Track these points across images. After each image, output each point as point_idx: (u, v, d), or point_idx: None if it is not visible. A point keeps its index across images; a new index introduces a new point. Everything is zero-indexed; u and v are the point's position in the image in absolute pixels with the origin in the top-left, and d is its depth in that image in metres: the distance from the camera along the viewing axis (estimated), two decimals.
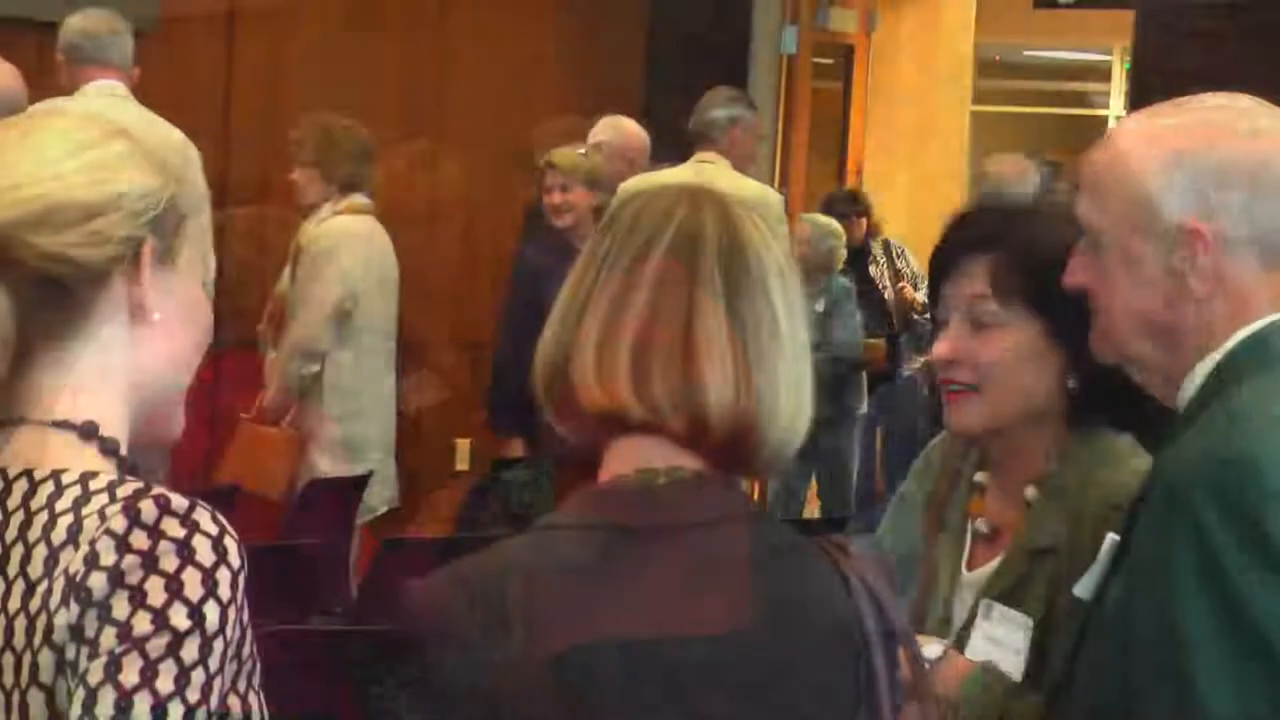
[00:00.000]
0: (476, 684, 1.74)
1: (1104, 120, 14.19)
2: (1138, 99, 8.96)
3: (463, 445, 8.81)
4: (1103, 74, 14.58)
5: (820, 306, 8.77)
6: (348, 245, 6.61)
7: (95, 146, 1.76)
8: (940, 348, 2.54)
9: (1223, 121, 2.10)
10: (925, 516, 2.68)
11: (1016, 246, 2.50)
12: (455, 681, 1.75)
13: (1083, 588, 2.16)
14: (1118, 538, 2.12)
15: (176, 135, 6.16)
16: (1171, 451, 2.03)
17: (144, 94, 6.36)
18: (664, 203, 1.86)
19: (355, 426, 6.66)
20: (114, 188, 1.74)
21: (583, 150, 7.08)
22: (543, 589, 1.78)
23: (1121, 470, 2.47)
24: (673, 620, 1.78)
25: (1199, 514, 1.92)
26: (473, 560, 1.82)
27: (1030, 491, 2.55)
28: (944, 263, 2.55)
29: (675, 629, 1.78)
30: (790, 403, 1.84)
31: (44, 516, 1.70)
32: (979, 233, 2.55)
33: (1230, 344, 2.07)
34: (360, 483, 6.49)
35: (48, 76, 6.16)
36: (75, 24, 6.21)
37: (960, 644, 2.53)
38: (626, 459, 1.83)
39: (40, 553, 1.69)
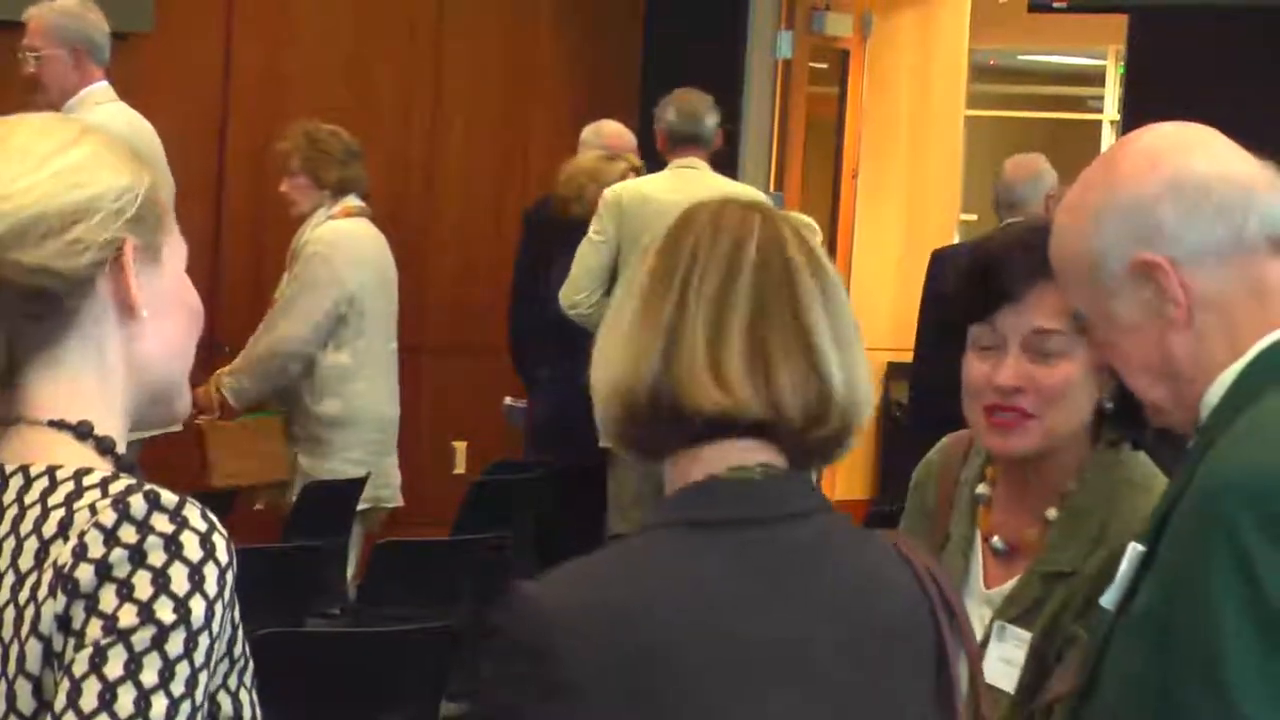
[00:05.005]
0: (574, 676, 1.79)
1: (1098, 124, 14.20)
2: (1132, 103, 8.98)
3: (460, 448, 8.82)
4: (1097, 78, 14.57)
5: None
6: (343, 248, 6.60)
7: (65, 151, 1.76)
8: (1003, 376, 2.50)
9: (1121, 164, 2.12)
10: (929, 530, 2.66)
11: None
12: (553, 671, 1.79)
13: (1107, 598, 2.17)
14: (1141, 548, 2.13)
15: (148, 131, 6.11)
16: (1203, 463, 2.04)
17: (143, 94, 6.37)
18: (733, 216, 1.94)
19: (353, 429, 6.65)
20: (89, 191, 1.74)
21: None
22: (654, 588, 1.84)
23: (1148, 496, 2.44)
24: (776, 612, 1.85)
25: (1234, 520, 1.93)
26: (580, 565, 1.88)
27: (1052, 512, 2.55)
28: (1004, 288, 2.51)
29: (778, 620, 1.85)
30: (869, 398, 1.94)
31: (37, 510, 1.72)
32: (1043, 257, 2.43)
33: (1253, 353, 2.08)
34: (358, 485, 6.49)
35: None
36: (94, 21, 6.13)
37: None
38: (712, 461, 1.89)
39: (31, 545, 1.71)
